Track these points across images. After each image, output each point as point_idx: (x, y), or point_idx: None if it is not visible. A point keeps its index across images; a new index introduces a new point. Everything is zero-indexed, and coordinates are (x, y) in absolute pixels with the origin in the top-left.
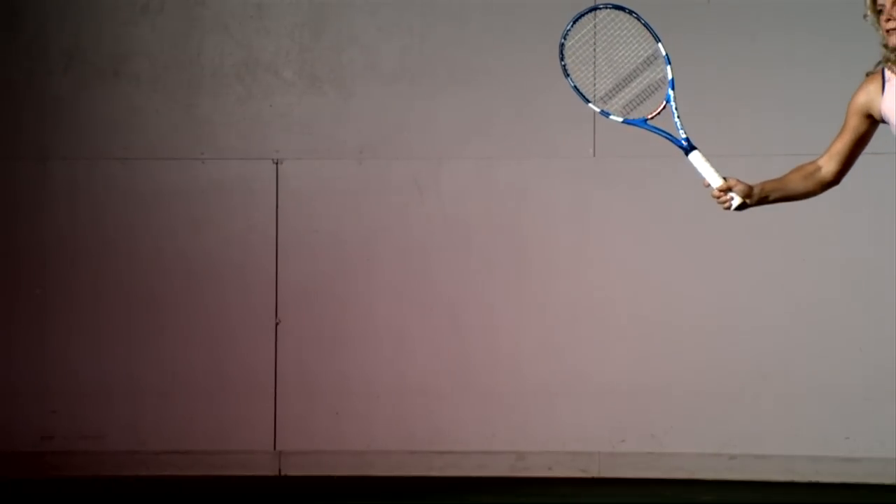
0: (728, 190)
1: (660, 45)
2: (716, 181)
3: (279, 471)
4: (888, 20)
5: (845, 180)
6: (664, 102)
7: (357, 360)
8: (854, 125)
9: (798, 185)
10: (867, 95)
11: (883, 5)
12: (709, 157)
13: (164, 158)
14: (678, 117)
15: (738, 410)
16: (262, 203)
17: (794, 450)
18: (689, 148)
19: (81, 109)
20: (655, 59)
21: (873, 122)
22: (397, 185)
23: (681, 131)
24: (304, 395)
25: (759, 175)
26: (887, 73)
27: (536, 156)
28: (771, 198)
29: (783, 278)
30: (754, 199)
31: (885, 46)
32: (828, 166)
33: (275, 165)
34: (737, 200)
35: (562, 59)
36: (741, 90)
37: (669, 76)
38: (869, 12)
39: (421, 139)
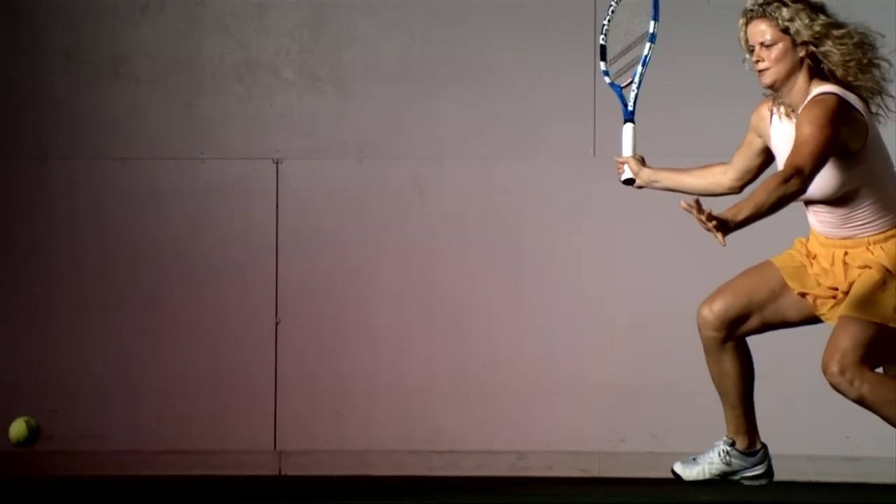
0: (625, 163)
1: (651, 23)
2: (625, 152)
3: (279, 471)
4: (757, 61)
5: None
6: (633, 76)
7: (357, 360)
8: (749, 140)
9: (695, 180)
10: (759, 118)
11: (753, 46)
12: (705, 157)
13: (164, 158)
14: (637, 90)
15: None
16: (262, 203)
17: (794, 450)
18: (628, 119)
19: (81, 109)
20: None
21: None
22: (397, 185)
23: (631, 103)
24: (304, 395)
25: None
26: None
27: (536, 156)
28: (661, 184)
29: None
30: (642, 178)
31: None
32: (728, 173)
33: (275, 165)
34: (626, 174)
35: (606, 18)
36: (741, 89)
37: (644, 53)
38: (746, 55)
39: (421, 139)
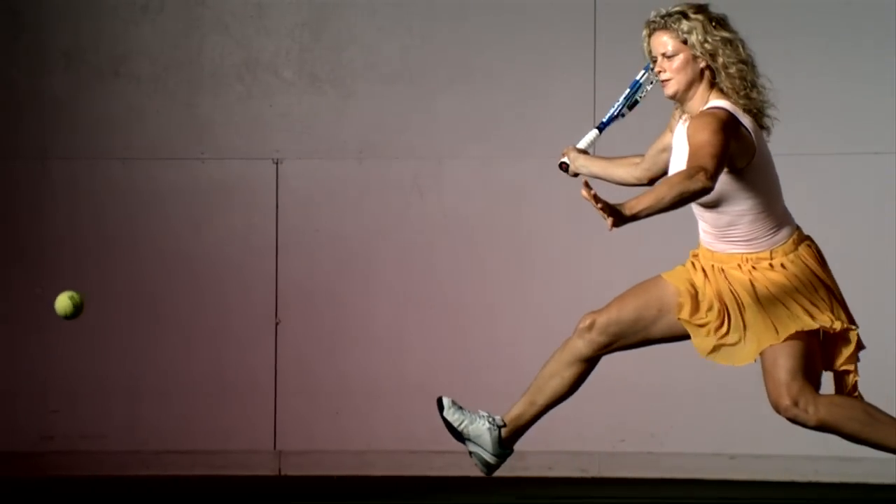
0: (567, 153)
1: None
2: (578, 145)
3: (279, 471)
4: (660, 72)
5: (846, 177)
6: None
7: (357, 360)
8: (662, 135)
9: (617, 168)
10: (673, 117)
11: (656, 57)
12: None
13: (164, 158)
14: (618, 110)
15: (738, 410)
16: (262, 203)
17: (794, 450)
18: (598, 126)
19: (81, 109)
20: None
21: None
22: (397, 185)
23: (607, 117)
24: (304, 395)
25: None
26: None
27: (536, 156)
28: (591, 170)
29: None
30: (575, 165)
31: None
32: (641, 164)
33: (275, 165)
34: (563, 158)
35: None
36: None
37: (637, 77)
38: (652, 65)
39: (421, 139)
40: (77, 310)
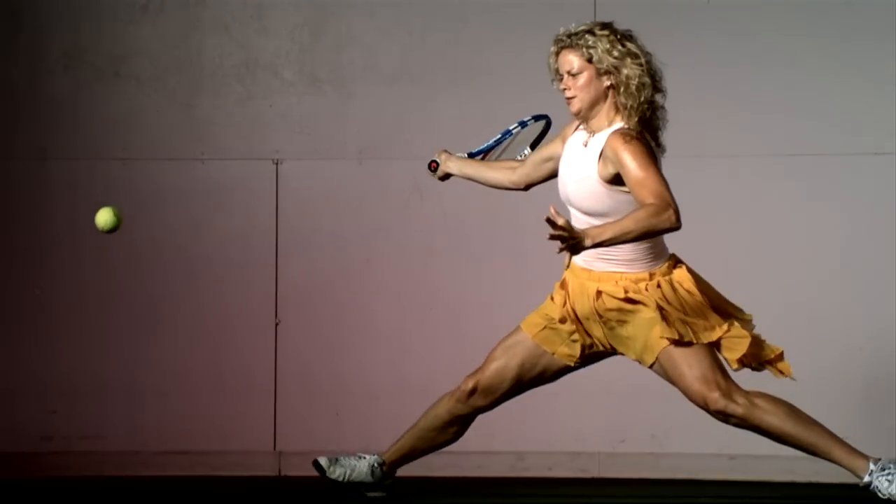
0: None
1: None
2: (454, 153)
3: (279, 471)
4: (564, 89)
5: (846, 178)
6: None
7: (357, 360)
8: (552, 142)
9: (493, 172)
10: (567, 129)
11: (562, 75)
12: (705, 157)
13: (164, 158)
14: (487, 145)
15: None
16: (262, 203)
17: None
18: (469, 153)
19: (81, 109)
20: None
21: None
22: (397, 185)
23: (477, 149)
24: (304, 395)
25: (759, 175)
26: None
27: None
28: (461, 170)
29: (782, 278)
30: (444, 164)
31: None
32: (520, 169)
33: (275, 165)
34: (434, 157)
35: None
36: (741, 90)
37: (509, 127)
38: (555, 80)
39: (421, 139)
40: (118, 222)
